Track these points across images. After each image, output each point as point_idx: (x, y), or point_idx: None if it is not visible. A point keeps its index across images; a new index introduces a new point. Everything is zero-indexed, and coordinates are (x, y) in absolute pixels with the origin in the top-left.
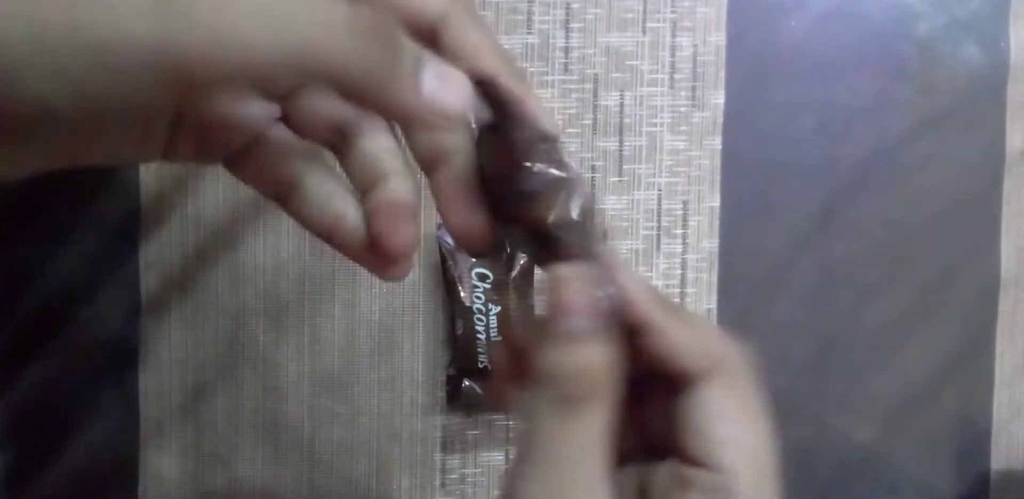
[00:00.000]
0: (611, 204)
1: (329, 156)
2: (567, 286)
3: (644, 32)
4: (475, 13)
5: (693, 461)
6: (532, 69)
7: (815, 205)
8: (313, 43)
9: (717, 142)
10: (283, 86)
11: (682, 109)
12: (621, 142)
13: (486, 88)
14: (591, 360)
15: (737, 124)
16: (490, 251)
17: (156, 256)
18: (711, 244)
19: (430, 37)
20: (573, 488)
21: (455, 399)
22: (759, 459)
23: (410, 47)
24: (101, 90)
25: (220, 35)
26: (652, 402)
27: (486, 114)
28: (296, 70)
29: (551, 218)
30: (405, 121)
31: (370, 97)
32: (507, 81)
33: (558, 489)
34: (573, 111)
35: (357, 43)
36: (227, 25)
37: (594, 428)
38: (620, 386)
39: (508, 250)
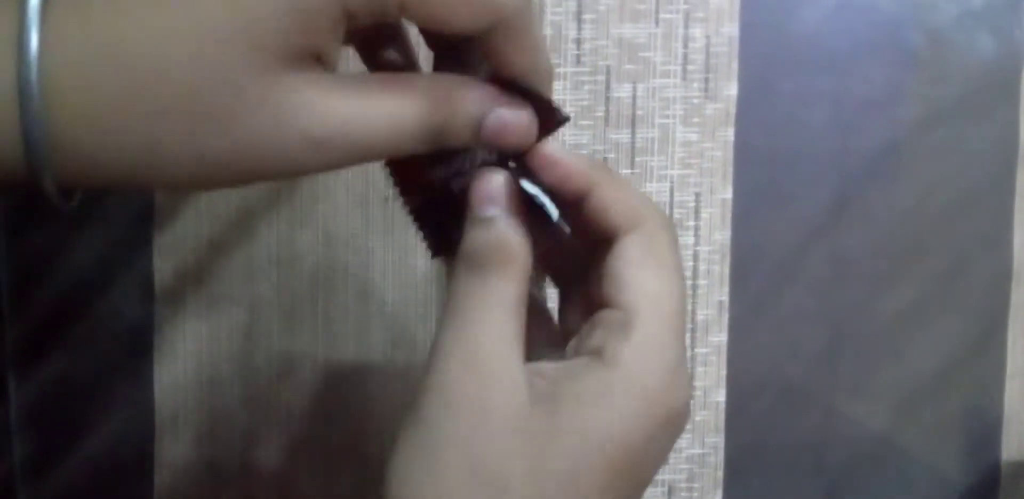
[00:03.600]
0: None
1: None
2: (483, 180)
3: (657, 23)
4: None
5: (605, 303)
6: None
7: (827, 196)
8: (388, 149)
9: (730, 134)
10: None
11: (695, 101)
12: (633, 134)
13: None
14: (501, 235)
15: (750, 115)
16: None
17: (170, 248)
18: (723, 236)
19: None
20: (480, 339)
21: None
22: (659, 300)
23: (470, 107)
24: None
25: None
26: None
27: None
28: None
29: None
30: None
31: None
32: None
33: (467, 339)
34: (585, 103)
35: (423, 135)
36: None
37: (506, 291)
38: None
39: None
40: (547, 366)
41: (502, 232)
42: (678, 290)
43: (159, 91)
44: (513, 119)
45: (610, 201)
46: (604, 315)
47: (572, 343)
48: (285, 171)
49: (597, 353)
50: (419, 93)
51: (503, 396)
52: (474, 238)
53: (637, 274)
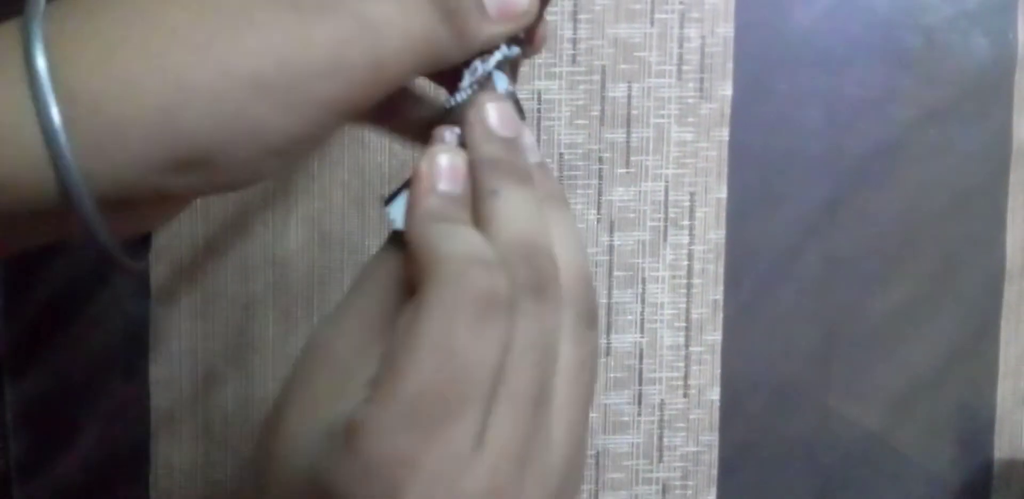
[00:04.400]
0: (618, 195)
1: None
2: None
3: (652, 23)
4: None
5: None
6: (540, 61)
7: (821, 196)
8: (419, 43)
9: (724, 133)
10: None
11: (690, 100)
12: (629, 133)
13: None
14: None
15: (744, 115)
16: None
17: (166, 247)
18: (717, 235)
19: None
20: (341, 317)
21: None
22: (400, 383)
23: None
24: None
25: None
26: None
27: None
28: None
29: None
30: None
31: (457, 52)
32: None
33: (335, 313)
34: (581, 103)
35: (436, 32)
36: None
37: (389, 272)
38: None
39: None
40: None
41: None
42: (430, 378)
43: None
44: None
45: (411, 253)
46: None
47: None
48: (344, 88)
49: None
50: None
51: (323, 378)
52: None
53: (392, 346)
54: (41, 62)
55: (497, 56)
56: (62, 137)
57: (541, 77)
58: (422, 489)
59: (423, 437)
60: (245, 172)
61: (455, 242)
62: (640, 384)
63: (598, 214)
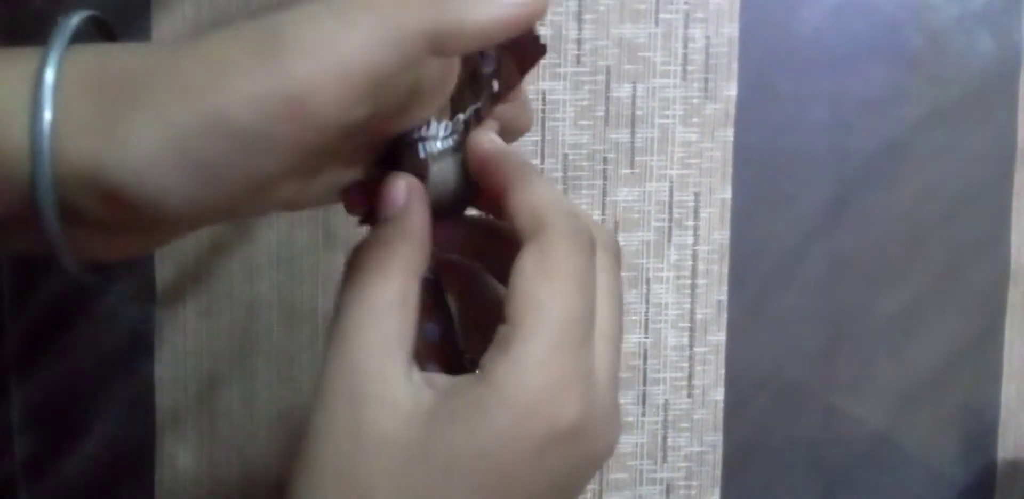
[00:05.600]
0: (623, 196)
1: None
2: (386, 183)
3: (657, 23)
4: None
5: (503, 317)
6: (544, 61)
7: (826, 196)
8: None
9: (729, 134)
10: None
11: (694, 101)
12: (633, 134)
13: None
14: (378, 237)
15: (749, 116)
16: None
17: (171, 248)
18: (722, 235)
19: None
20: (356, 353)
21: None
22: (545, 314)
23: None
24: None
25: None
26: None
27: None
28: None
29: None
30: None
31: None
32: None
33: (343, 354)
34: (585, 103)
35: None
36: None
37: (382, 295)
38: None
39: None
40: (441, 378)
41: (380, 234)
42: (573, 303)
43: None
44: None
45: (517, 205)
46: (499, 329)
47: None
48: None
49: (482, 369)
50: None
51: (376, 412)
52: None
53: (525, 286)
54: (50, 74)
55: (471, 108)
56: (46, 139)
57: (546, 78)
58: (571, 398)
59: (575, 361)
60: (186, 219)
61: (550, 196)
62: (644, 384)
63: (603, 214)
